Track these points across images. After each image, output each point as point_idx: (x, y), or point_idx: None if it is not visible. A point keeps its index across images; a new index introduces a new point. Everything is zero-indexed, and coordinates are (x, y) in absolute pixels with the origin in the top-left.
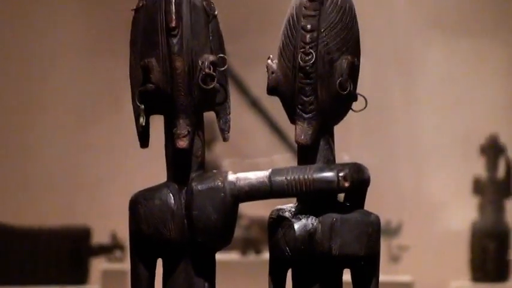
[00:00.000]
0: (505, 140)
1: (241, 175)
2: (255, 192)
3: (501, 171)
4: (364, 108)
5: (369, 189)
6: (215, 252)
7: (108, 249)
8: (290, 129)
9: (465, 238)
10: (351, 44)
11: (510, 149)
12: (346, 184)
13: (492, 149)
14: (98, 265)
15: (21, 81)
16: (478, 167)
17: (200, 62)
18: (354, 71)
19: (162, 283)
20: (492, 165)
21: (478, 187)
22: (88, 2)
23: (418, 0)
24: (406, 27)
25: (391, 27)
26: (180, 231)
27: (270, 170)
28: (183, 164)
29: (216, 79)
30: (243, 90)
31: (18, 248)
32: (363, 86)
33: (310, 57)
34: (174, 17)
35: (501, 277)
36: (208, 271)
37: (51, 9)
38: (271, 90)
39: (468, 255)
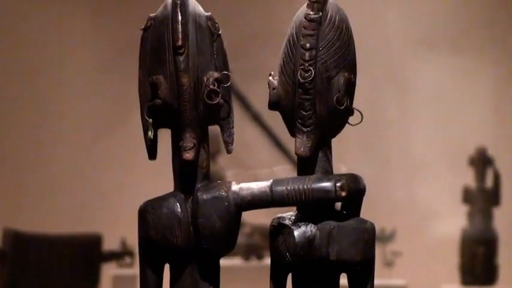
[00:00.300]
0: (493, 152)
1: (244, 185)
2: (257, 201)
3: (489, 182)
4: (360, 122)
5: (365, 198)
6: (219, 258)
7: (118, 256)
8: (290, 142)
9: (455, 244)
10: (348, 62)
11: (497, 160)
12: (343, 193)
13: (481, 161)
14: (109, 271)
15: (38, 97)
16: (468, 178)
17: (205, 79)
18: (350, 87)
19: (170, 287)
20: (481, 176)
21: (467, 196)
22: (99, 22)
23: (411, 21)
24: (399, 46)
25: (386, 46)
26: (186, 238)
27: (271, 181)
28: (189, 175)
29: (220, 95)
30: (246, 106)
31: (34, 254)
32: (358, 101)
33: (309, 74)
34: (180, 36)
35: (490, 281)
36: (213, 276)
37: (66, 30)
38: (273, 105)
39: (458, 260)
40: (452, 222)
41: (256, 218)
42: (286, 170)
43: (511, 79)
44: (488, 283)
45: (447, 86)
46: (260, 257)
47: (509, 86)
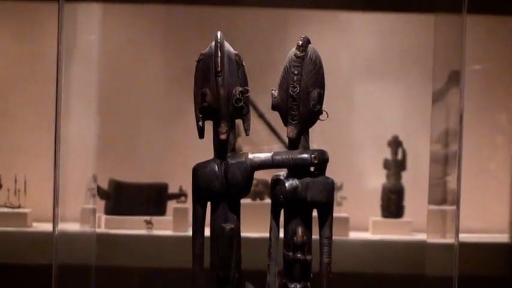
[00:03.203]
0: (402, 138)
1: (256, 155)
2: (264, 165)
3: (400, 156)
4: (326, 118)
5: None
6: (240, 199)
7: (177, 196)
8: (283, 130)
9: (378, 193)
10: (319, 82)
11: (404, 143)
12: (315, 161)
13: (394, 143)
14: (171, 205)
15: (130, 102)
16: (387, 153)
17: (233, 91)
18: (320, 98)
19: (210, 216)
20: (394, 153)
21: (386, 165)
22: (168, 55)
23: (354, 59)
24: (348, 74)
25: (339, 74)
26: (220, 186)
27: (272, 152)
28: (223, 148)
29: (242, 101)
30: (255, 108)
31: (127, 195)
32: (325, 106)
33: (296, 89)
34: (219, 65)
35: (399, 215)
36: (236, 209)
37: (150, 60)
38: (273, 108)
39: (380, 202)
40: (377, 180)
41: (261, 175)
42: (280, 147)
43: (414, 94)
44: (398, 216)
45: (376, 99)
46: (262, 198)
47: (412, 99)
